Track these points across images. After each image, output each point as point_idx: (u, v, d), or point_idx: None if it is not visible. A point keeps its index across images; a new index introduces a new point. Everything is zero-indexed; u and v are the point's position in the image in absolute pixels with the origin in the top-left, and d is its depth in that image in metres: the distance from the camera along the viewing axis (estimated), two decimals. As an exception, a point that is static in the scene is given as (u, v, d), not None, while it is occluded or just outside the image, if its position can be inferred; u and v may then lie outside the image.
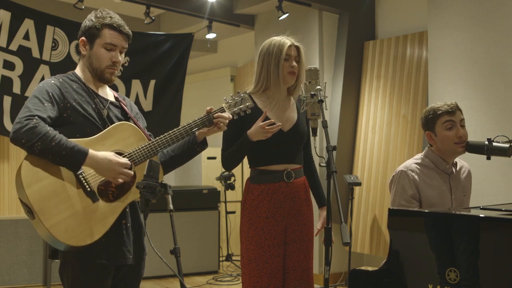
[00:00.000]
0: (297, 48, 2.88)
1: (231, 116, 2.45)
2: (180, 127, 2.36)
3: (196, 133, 2.42)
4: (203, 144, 2.47)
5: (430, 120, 2.83)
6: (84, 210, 2.15)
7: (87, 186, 2.17)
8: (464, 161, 3.00)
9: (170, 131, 2.34)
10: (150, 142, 2.31)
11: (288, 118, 2.89)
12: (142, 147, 2.29)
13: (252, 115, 2.74)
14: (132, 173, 2.24)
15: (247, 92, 2.71)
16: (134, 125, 2.36)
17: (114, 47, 2.34)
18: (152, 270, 5.22)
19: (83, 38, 2.34)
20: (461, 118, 2.83)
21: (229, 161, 2.86)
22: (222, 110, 2.44)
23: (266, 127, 2.69)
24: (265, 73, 2.85)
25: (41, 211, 2.08)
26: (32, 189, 2.09)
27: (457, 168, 2.90)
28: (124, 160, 2.23)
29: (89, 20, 2.35)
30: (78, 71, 2.38)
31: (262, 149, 2.82)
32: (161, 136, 2.32)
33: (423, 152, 2.91)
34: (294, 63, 2.84)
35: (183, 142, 2.44)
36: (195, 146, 2.45)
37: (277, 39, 2.88)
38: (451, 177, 2.86)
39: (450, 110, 2.79)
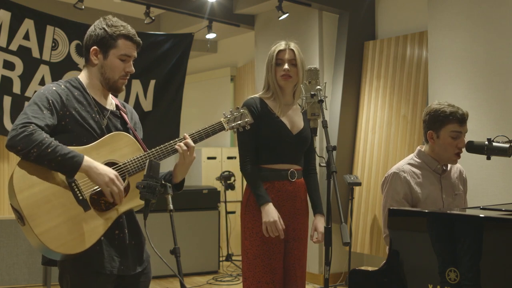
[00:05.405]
0: (293, 51, 2.92)
1: (193, 145, 2.31)
2: (177, 139, 2.32)
3: (172, 173, 2.36)
4: (176, 187, 2.39)
5: (439, 122, 2.80)
6: (75, 218, 2.12)
7: (79, 195, 2.13)
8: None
9: (166, 143, 2.30)
10: (145, 153, 2.28)
11: (297, 123, 2.99)
12: (137, 158, 2.26)
13: (265, 116, 2.90)
14: (123, 193, 2.19)
15: (258, 96, 2.88)
16: (131, 136, 2.32)
17: (129, 58, 2.31)
18: (152, 270, 5.20)
19: (95, 47, 2.27)
20: (467, 130, 2.82)
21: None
22: (220, 125, 2.40)
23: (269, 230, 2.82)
24: (266, 79, 3.00)
25: (31, 217, 2.05)
26: (23, 195, 2.06)
27: (448, 168, 2.91)
28: (119, 177, 2.18)
29: (100, 28, 2.28)
30: (82, 77, 2.32)
31: (271, 149, 2.92)
32: (157, 148, 2.29)
33: (414, 153, 2.94)
34: (286, 66, 2.90)
35: (162, 174, 2.38)
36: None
37: (273, 45, 2.99)
38: (442, 176, 2.89)
39: (462, 119, 2.78)
